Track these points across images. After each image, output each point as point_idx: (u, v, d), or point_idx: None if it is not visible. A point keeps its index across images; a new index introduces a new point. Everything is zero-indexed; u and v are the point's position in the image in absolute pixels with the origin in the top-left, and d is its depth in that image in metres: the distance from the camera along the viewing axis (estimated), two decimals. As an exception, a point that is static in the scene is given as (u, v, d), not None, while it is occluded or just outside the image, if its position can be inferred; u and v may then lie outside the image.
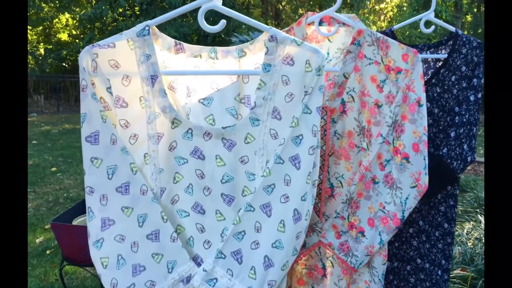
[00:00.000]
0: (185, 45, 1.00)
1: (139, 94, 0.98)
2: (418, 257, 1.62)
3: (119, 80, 0.97)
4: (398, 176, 1.21)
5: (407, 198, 1.20)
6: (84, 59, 0.95)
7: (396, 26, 1.55)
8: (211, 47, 1.01)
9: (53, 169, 5.41)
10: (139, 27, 0.97)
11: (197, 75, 1.05)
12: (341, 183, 1.34)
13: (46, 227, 3.56)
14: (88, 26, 12.17)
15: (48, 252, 3.12)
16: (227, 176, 1.03)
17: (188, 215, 1.04)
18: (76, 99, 12.36)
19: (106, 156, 0.98)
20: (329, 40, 1.36)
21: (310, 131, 1.01)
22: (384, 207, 1.26)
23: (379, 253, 1.31)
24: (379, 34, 1.25)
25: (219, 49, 1.02)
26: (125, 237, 1.01)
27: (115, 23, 11.25)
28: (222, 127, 1.00)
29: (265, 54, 0.99)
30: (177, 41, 1.00)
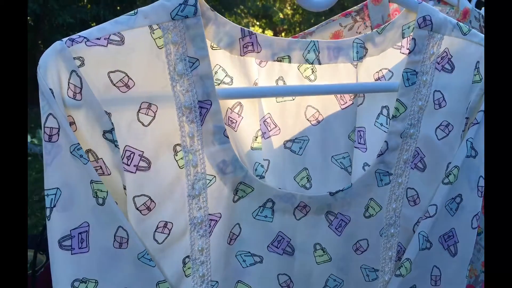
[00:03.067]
0: (260, 36, 0.50)
1: (174, 140, 0.47)
2: None
3: (133, 113, 0.45)
4: None
5: None
6: (51, 70, 0.42)
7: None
8: (307, 40, 0.51)
9: None
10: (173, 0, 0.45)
11: (281, 97, 0.55)
12: None
13: None
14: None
15: None
16: (334, 281, 0.56)
17: None
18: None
19: (106, 273, 0.46)
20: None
21: (475, 189, 0.57)
22: None
23: (476, 328, 0.94)
24: (490, 17, 0.84)
25: (323, 44, 0.52)
26: None
27: None
28: (330, 193, 0.52)
29: (410, 52, 0.52)
30: (245, 29, 0.49)
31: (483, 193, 0.58)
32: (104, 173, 0.47)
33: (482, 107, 0.55)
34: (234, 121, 0.53)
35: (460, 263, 0.58)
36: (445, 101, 0.55)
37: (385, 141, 0.53)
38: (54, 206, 0.44)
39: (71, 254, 0.45)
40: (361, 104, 0.57)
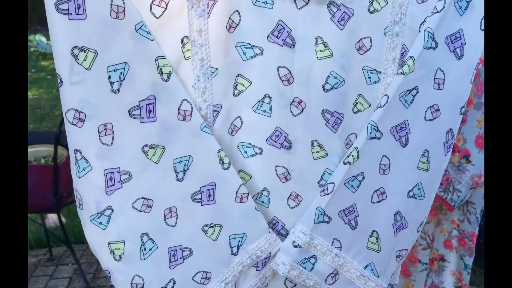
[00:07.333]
0: None
1: None
2: None
3: None
4: None
5: None
6: None
7: None
8: None
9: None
10: None
11: None
12: None
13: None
14: None
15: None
16: (335, 78, 0.56)
17: (260, 153, 0.58)
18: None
19: (105, 44, 0.47)
20: None
21: None
22: None
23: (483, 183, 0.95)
24: None
25: None
26: (152, 201, 0.53)
27: None
28: None
29: None
30: None
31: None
32: None
33: None
34: None
35: (464, 67, 0.57)
36: None
37: None
38: None
39: (69, 19, 0.45)
40: None
